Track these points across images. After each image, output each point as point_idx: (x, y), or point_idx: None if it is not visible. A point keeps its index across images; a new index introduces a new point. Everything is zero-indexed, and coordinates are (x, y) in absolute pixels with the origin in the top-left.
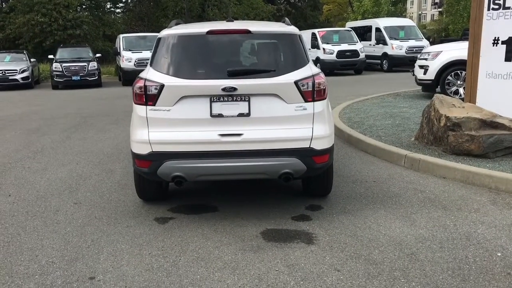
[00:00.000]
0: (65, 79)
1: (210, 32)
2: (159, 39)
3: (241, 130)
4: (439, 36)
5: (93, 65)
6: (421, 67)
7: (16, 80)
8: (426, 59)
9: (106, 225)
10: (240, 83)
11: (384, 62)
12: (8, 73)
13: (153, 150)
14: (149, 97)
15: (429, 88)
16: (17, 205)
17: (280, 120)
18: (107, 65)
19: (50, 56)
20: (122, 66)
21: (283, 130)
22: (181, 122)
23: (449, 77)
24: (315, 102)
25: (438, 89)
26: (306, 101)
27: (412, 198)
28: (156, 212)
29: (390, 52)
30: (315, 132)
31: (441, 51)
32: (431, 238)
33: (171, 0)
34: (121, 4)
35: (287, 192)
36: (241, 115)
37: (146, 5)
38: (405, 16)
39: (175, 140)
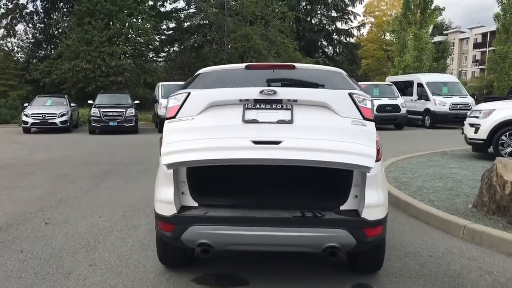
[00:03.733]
0: (102, 124)
1: (248, 67)
2: (198, 73)
3: (280, 138)
4: (480, 93)
5: (131, 111)
6: (471, 125)
7: (55, 123)
8: (477, 117)
9: None
10: (281, 89)
11: (426, 118)
12: (47, 116)
13: (170, 162)
14: (170, 110)
15: (480, 148)
16: (27, 263)
17: (332, 130)
18: (145, 112)
19: (90, 102)
20: (159, 113)
21: (334, 142)
22: (206, 129)
23: (503, 137)
24: None
25: (490, 149)
26: (364, 118)
27: (478, 280)
28: (178, 282)
29: (432, 108)
30: (367, 199)
31: (494, 109)
32: None
33: (211, 51)
34: (163, 54)
35: (329, 266)
36: (281, 121)
37: (187, 55)
38: (446, 72)
39: (196, 147)
